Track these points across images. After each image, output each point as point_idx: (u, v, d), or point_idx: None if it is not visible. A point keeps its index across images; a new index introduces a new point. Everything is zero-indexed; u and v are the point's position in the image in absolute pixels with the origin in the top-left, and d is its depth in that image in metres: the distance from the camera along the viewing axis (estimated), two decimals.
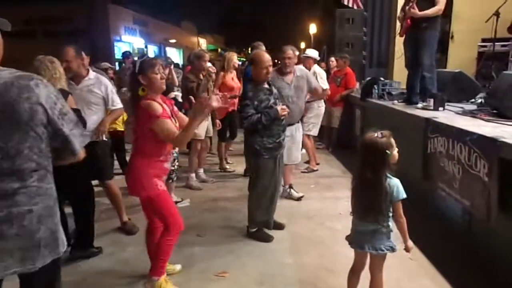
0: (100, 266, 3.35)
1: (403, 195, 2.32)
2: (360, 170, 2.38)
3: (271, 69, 3.72)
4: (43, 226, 1.66)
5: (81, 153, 1.78)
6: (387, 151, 2.27)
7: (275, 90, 3.83)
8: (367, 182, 2.34)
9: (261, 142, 3.66)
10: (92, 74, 3.75)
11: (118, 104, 3.84)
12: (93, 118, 3.66)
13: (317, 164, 6.24)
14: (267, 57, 3.68)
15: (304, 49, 10.90)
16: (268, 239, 3.80)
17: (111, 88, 3.84)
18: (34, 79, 1.60)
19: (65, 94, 3.17)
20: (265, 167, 3.72)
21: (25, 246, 1.62)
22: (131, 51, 12.26)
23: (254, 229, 3.87)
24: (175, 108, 2.92)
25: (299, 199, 4.83)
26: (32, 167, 1.62)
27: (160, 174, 2.81)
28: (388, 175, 2.33)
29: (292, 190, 4.89)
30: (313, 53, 6.08)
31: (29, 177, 1.61)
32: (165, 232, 2.84)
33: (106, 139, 3.91)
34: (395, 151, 2.36)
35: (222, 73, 5.85)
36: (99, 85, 3.72)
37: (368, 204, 2.37)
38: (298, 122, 4.66)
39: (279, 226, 4.04)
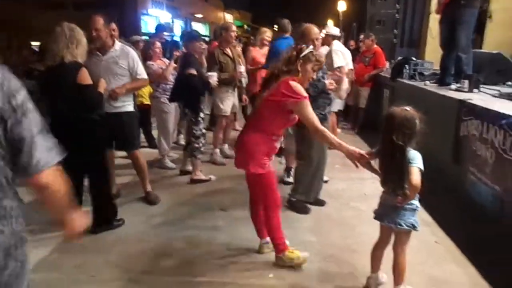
0: (125, 236, 3.42)
1: (420, 165, 2.29)
2: (387, 140, 2.33)
3: (318, 42, 3.79)
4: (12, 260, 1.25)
5: (42, 178, 1.26)
6: (416, 120, 2.28)
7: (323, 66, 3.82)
8: (393, 152, 2.31)
9: None
10: (117, 45, 3.76)
11: (142, 74, 3.84)
12: None
13: None
14: (315, 30, 3.79)
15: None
16: (305, 211, 3.87)
17: (137, 60, 3.83)
18: None
19: (77, 65, 3.11)
20: (312, 138, 3.73)
21: None
22: (163, 24, 11.15)
23: (295, 199, 3.92)
24: None
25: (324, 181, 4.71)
26: None
27: (270, 152, 2.86)
28: (410, 148, 2.31)
29: None
30: (333, 30, 5.89)
31: None
32: (266, 211, 2.91)
33: (134, 110, 3.96)
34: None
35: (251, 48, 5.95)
36: (125, 56, 3.73)
37: (390, 174, 2.38)
38: None
39: (320, 203, 4.06)
